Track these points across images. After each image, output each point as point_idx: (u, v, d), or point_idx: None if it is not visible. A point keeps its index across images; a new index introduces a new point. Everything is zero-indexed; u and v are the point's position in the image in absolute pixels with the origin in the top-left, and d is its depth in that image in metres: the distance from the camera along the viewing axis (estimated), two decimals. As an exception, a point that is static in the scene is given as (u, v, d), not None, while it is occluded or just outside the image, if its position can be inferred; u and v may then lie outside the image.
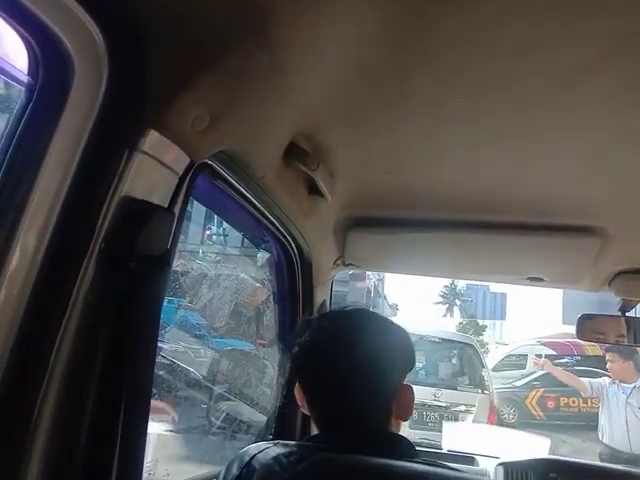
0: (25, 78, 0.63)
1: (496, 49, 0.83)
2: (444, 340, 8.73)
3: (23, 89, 0.64)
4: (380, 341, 0.96)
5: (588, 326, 1.80)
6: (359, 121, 1.08)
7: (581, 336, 1.79)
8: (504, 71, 0.88)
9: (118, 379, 0.71)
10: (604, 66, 0.84)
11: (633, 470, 2.02)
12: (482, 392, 7.91)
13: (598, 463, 2.12)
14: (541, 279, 1.67)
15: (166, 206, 0.79)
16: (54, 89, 0.64)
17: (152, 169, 0.74)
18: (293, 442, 0.99)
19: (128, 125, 0.70)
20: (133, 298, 0.73)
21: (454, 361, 8.73)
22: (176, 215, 0.81)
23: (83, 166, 0.67)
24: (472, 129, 1.07)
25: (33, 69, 0.63)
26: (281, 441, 0.98)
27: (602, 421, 4.53)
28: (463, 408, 7.48)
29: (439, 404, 7.38)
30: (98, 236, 0.69)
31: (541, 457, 1.97)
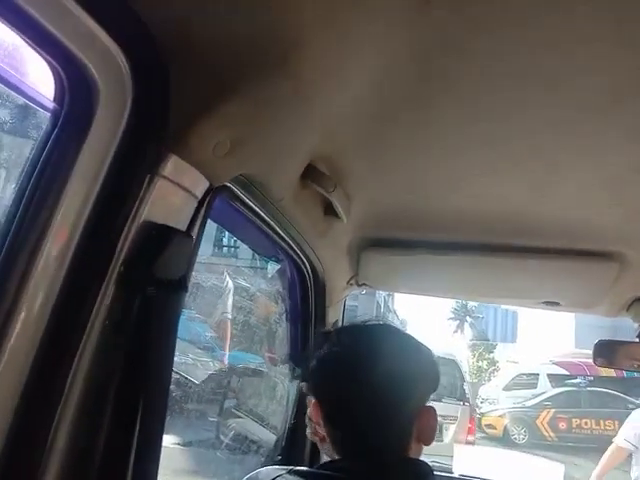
0: (50, 104, 0.64)
1: (519, 77, 0.83)
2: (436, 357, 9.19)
3: (48, 115, 0.65)
4: (403, 359, 0.92)
5: (605, 352, 1.76)
6: (378, 146, 1.08)
7: (598, 362, 1.76)
8: (525, 98, 0.88)
9: (134, 402, 0.71)
10: (625, 96, 0.84)
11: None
12: (463, 404, 8.66)
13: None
14: (557, 303, 1.65)
15: (184, 229, 0.79)
16: (79, 115, 0.65)
17: (172, 193, 0.75)
18: (307, 470, 0.96)
19: (150, 150, 0.70)
20: (150, 321, 0.73)
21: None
22: (194, 239, 0.81)
23: (105, 190, 0.68)
24: (490, 154, 1.07)
25: (59, 95, 0.64)
26: (295, 468, 0.94)
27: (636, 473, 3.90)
28: (447, 420, 8.17)
29: None
30: (117, 260, 0.69)
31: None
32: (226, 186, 0.91)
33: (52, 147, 0.64)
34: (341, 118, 0.96)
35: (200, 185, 0.80)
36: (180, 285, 0.77)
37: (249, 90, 0.72)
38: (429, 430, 0.92)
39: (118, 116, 0.67)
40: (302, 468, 0.95)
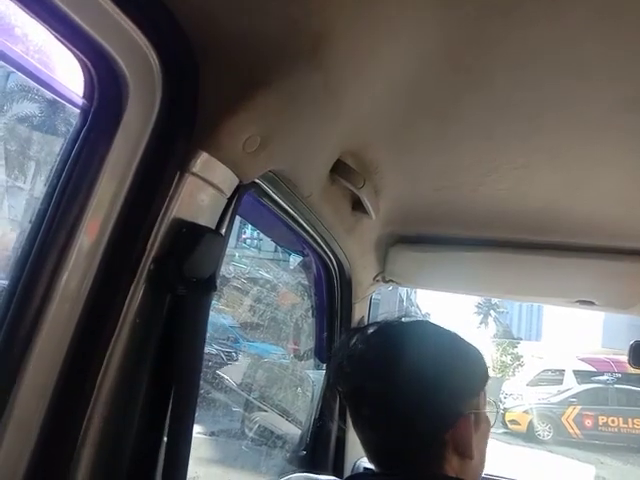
0: (80, 100, 0.64)
1: (556, 69, 0.80)
2: None
3: (78, 111, 0.64)
4: (429, 360, 0.84)
5: (641, 353, 1.71)
6: (407, 139, 1.05)
7: (634, 363, 1.71)
8: (563, 91, 0.85)
9: (165, 398, 0.71)
10: None
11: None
12: None
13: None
14: (592, 303, 1.60)
15: (214, 227, 0.78)
16: (109, 111, 0.64)
17: (201, 190, 0.74)
18: None
19: (180, 147, 0.69)
20: (180, 319, 0.72)
21: None
22: (224, 236, 0.80)
23: (135, 188, 0.67)
24: (523, 148, 1.04)
25: (89, 91, 0.63)
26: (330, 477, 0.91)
27: None
28: None
29: None
30: (148, 258, 0.68)
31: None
32: (254, 182, 0.90)
33: (82, 144, 0.64)
34: (370, 113, 0.93)
35: (229, 182, 0.78)
36: (209, 284, 0.76)
37: (279, 84, 0.71)
38: (463, 441, 0.82)
39: (148, 112, 0.66)
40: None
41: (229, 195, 0.79)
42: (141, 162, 0.67)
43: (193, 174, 0.71)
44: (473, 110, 0.93)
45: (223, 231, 0.81)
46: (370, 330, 0.92)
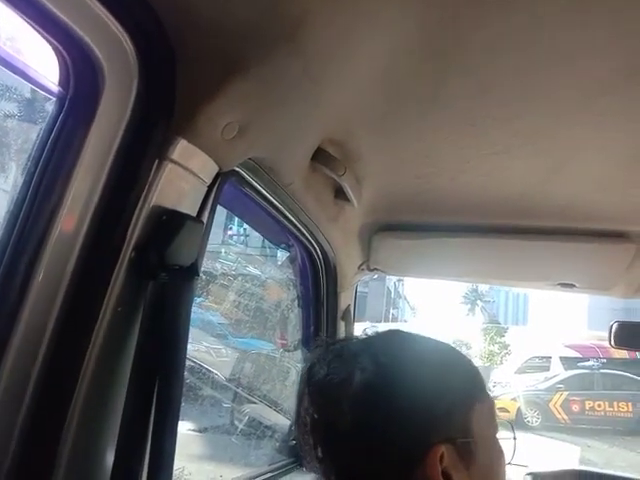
0: (56, 88, 0.63)
1: (533, 55, 0.81)
2: None
3: (54, 99, 0.64)
4: (394, 379, 0.68)
5: (623, 333, 1.74)
6: (388, 126, 1.06)
7: (615, 344, 1.74)
8: (540, 76, 0.86)
9: (148, 387, 0.71)
10: None
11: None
12: None
13: (630, 475, 2.06)
14: (573, 285, 1.63)
15: (195, 215, 0.78)
16: (85, 99, 0.64)
17: (181, 178, 0.74)
18: None
19: (158, 134, 0.69)
20: (162, 308, 0.72)
21: None
22: (204, 224, 0.80)
23: (113, 175, 0.67)
24: (503, 133, 1.05)
25: (64, 80, 0.63)
26: None
27: None
28: None
29: None
30: (128, 245, 0.68)
31: (571, 468, 1.92)
32: (235, 171, 0.90)
33: (58, 132, 0.63)
34: (351, 100, 0.94)
35: (209, 169, 0.78)
36: (192, 271, 0.76)
37: (257, 70, 0.71)
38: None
39: (125, 100, 0.66)
40: None
41: (209, 183, 0.79)
42: (119, 150, 0.66)
43: (172, 161, 0.70)
44: (453, 96, 0.94)
45: (205, 219, 0.81)
46: (334, 351, 0.76)
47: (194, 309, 0.82)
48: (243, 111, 0.74)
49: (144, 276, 0.70)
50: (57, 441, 0.64)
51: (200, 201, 0.79)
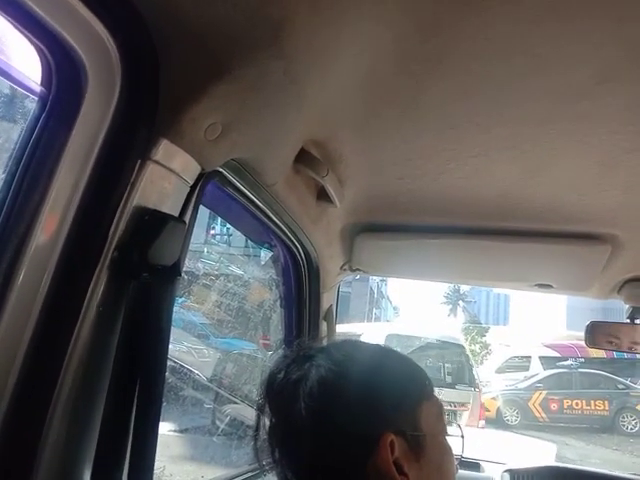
0: (38, 88, 0.63)
1: (512, 62, 0.83)
2: (443, 342, 9.23)
3: (36, 99, 0.64)
4: (342, 378, 0.73)
5: (598, 333, 1.78)
6: (370, 128, 1.07)
7: (591, 343, 1.78)
8: (518, 83, 0.88)
9: (129, 387, 0.71)
10: (614, 80, 0.84)
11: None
12: (474, 390, 8.63)
13: (604, 471, 2.10)
14: (550, 286, 1.66)
15: (177, 215, 0.79)
16: (67, 99, 0.64)
17: (164, 178, 0.74)
18: None
19: (140, 134, 0.69)
20: (144, 307, 0.72)
21: (449, 361, 9.16)
22: (187, 224, 0.81)
23: (96, 175, 0.67)
24: (483, 137, 1.07)
25: (46, 79, 0.63)
26: None
27: None
28: (461, 407, 8.12)
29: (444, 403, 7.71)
30: (110, 245, 0.68)
31: (548, 464, 1.96)
32: (218, 171, 0.90)
33: (40, 132, 0.63)
34: (333, 102, 0.95)
35: (192, 170, 0.79)
36: (174, 271, 0.77)
37: (240, 72, 0.71)
38: (382, 470, 0.68)
39: (107, 100, 0.66)
40: None
41: (192, 183, 0.80)
42: (101, 150, 0.66)
43: (155, 162, 0.71)
44: (434, 100, 0.96)
45: (187, 219, 0.81)
46: (287, 359, 0.80)
47: (176, 309, 0.82)
48: (226, 112, 0.75)
49: (126, 276, 0.70)
50: (37, 441, 0.63)
51: (182, 201, 0.80)
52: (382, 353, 0.81)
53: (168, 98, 0.70)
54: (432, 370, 8.66)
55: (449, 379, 8.68)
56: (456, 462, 0.78)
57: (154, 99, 0.69)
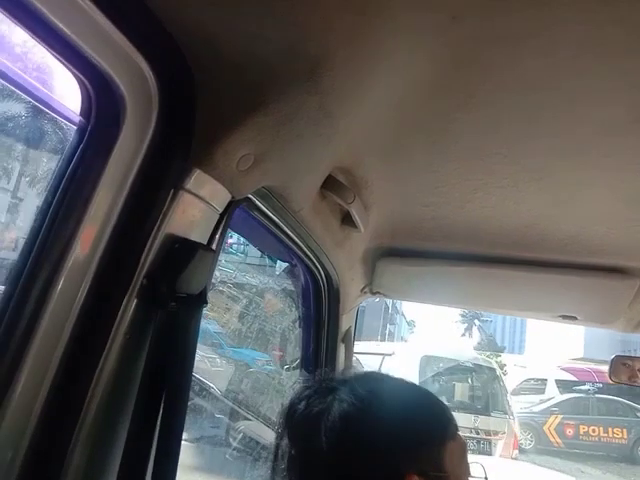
0: (77, 118, 0.64)
1: (543, 96, 0.83)
2: (475, 365, 8.80)
3: (74, 129, 0.65)
4: (364, 415, 0.73)
5: (622, 367, 1.74)
6: (398, 156, 1.07)
7: (615, 378, 1.74)
8: (549, 117, 0.88)
9: (153, 414, 0.71)
10: None
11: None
12: (509, 417, 8.06)
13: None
14: (574, 318, 1.63)
15: (205, 242, 0.79)
16: (105, 129, 0.65)
17: (194, 206, 0.75)
18: None
19: (174, 164, 0.70)
20: (170, 335, 0.73)
21: (482, 386, 8.72)
22: (215, 251, 0.81)
23: (129, 204, 0.68)
24: (511, 168, 1.06)
25: (86, 110, 0.64)
26: None
27: None
28: (496, 435, 7.62)
29: (477, 431, 7.41)
30: (140, 273, 0.69)
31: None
32: (246, 197, 0.91)
33: (78, 161, 0.64)
34: (363, 132, 0.95)
35: (222, 198, 0.79)
36: (200, 299, 0.77)
37: (275, 106, 0.72)
38: None
39: (144, 130, 0.67)
40: None
41: (221, 211, 0.80)
42: (136, 179, 0.67)
43: (187, 191, 0.71)
44: (461, 131, 0.96)
45: (214, 246, 0.82)
46: (309, 390, 0.81)
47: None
48: (259, 144, 0.75)
49: (154, 305, 0.71)
50: (61, 463, 0.64)
51: (211, 229, 0.80)
52: (406, 390, 0.80)
53: (203, 129, 0.71)
54: (464, 395, 8.35)
55: (481, 404, 8.19)
56: None
57: (189, 130, 0.70)
